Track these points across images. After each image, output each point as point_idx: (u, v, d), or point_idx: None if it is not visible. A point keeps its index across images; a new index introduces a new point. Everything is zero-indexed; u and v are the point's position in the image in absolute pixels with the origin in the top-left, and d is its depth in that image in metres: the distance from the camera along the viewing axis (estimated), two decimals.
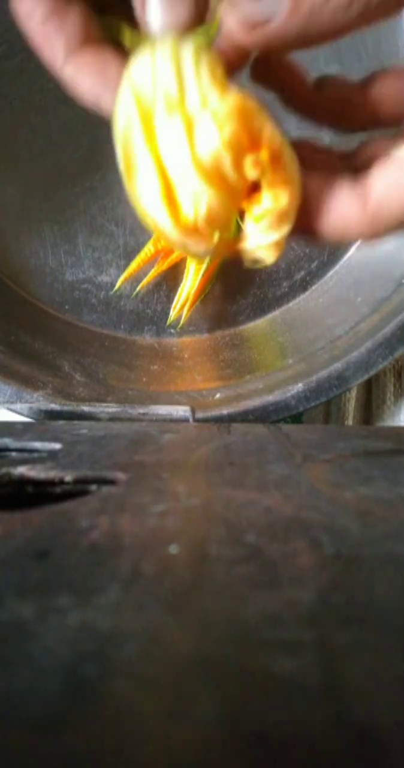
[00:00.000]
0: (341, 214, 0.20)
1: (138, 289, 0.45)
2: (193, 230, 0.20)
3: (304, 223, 0.20)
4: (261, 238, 0.20)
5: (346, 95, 0.22)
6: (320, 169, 0.21)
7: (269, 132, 0.19)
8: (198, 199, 0.19)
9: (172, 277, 0.45)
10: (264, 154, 0.19)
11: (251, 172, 0.19)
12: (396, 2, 0.18)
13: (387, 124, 0.23)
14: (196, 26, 0.19)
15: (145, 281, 0.45)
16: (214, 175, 0.19)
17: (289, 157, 0.19)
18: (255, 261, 0.21)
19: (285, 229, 0.20)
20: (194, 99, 0.19)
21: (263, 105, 0.19)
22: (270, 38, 0.17)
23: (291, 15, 0.17)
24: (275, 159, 0.19)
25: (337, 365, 0.41)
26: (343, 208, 0.20)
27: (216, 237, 0.20)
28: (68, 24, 0.20)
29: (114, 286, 0.45)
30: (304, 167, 0.20)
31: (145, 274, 0.45)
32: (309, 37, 0.18)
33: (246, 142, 0.19)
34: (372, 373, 0.40)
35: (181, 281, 0.45)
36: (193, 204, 0.19)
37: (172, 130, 0.19)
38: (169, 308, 0.46)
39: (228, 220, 0.20)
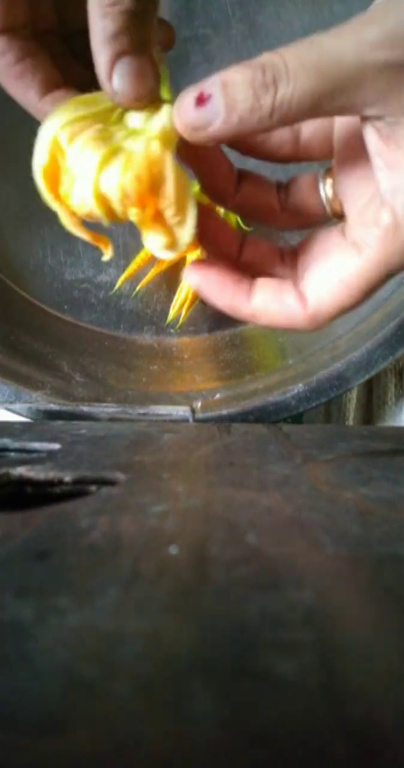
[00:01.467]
0: (289, 320, 0.24)
1: (137, 289, 0.45)
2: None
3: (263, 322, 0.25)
4: (158, 253, 0.24)
5: (261, 198, 0.26)
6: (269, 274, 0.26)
7: (170, 190, 0.22)
8: (90, 213, 0.23)
9: (172, 277, 0.45)
10: (160, 204, 0.23)
11: (132, 216, 0.23)
12: (309, 111, 0.21)
13: (305, 227, 0.27)
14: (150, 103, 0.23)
15: (144, 281, 0.45)
16: (104, 204, 0.23)
17: (187, 214, 0.23)
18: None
19: (174, 254, 0.24)
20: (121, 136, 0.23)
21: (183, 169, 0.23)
22: (209, 137, 0.22)
23: (225, 122, 0.21)
24: (171, 208, 0.23)
25: (338, 365, 0.41)
26: (292, 316, 0.24)
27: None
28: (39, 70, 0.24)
29: (113, 285, 0.45)
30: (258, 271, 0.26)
31: (145, 274, 0.45)
32: (241, 135, 0.22)
33: (142, 191, 0.22)
34: (372, 373, 0.40)
35: (180, 281, 0.45)
36: (84, 213, 0.23)
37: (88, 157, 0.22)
38: (168, 308, 0.46)
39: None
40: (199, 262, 0.26)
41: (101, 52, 0.22)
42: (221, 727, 0.08)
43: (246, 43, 0.42)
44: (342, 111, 0.21)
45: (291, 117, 0.21)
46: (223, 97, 0.21)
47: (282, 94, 0.21)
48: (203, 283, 0.25)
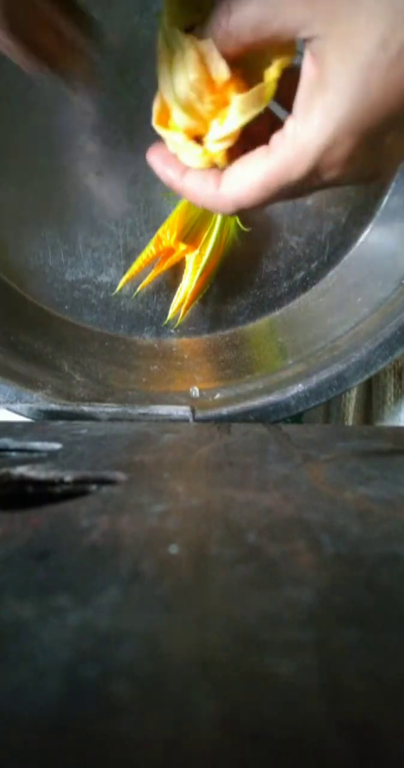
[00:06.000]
0: (204, 194, 0.29)
1: (138, 289, 0.45)
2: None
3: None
4: (215, 147, 0.29)
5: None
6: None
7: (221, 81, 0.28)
8: (188, 126, 0.30)
9: (172, 277, 0.45)
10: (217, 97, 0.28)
11: (208, 107, 0.28)
12: (253, 33, 0.26)
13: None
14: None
15: (145, 282, 0.45)
16: (191, 111, 0.29)
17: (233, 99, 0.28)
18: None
19: (227, 143, 0.29)
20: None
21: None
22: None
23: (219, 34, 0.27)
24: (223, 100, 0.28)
25: (337, 365, 0.41)
26: (206, 191, 0.29)
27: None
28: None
29: (114, 286, 0.45)
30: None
31: (145, 275, 0.45)
32: (233, 50, 0.27)
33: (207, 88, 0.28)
34: (372, 373, 0.40)
35: (180, 281, 0.45)
36: (186, 128, 0.30)
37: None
38: (168, 309, 0.46)
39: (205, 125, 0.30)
40: (159, 145, 0.31)
41: None
42: (221, 727, 0.08)
43: None
44: (281, 33, 0.25)
45: (246, 37, 0.26)
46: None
47: (234, 17, 0.25)
48: (155, 158, 0.31)
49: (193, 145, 0.30)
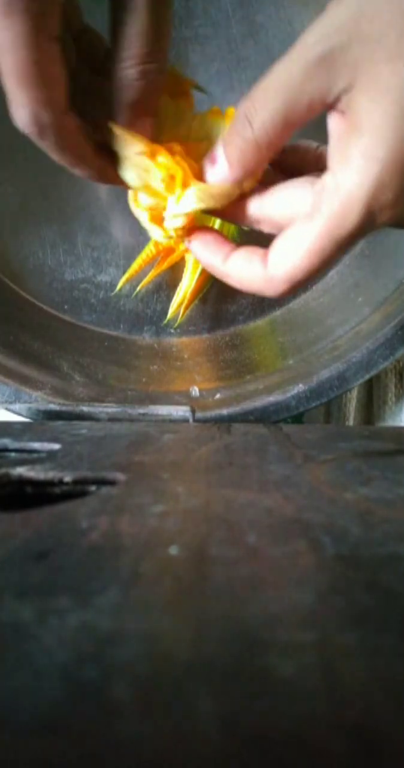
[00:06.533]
0: (250, 278, 0.28)
1: (138, 289, 0.45)
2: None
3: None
4: (170, 223, 0.30)
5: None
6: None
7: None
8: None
9: (172, 277, 0.45)
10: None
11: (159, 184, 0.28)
12: (285, 125, 0.25)
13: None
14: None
15: (144, 281, 0.45)
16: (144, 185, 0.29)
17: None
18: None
19: (182, 221, 0.29)
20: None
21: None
22: (232, 186, 0.27)
23: (232, 173, 0.27)
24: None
25: (338, 365, 0.41)
26: (254, 278, 0.27)
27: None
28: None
29: (113, 285, 0.45)
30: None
31: (145, 274, 0.45)
32: (255, 171, 0.27)
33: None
34: (373, 373, 0.40)
35: (179, 281, 0.45)
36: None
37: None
38: (168, 308, 0.46)
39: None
40: (197, 228, 0.30)
41: None
42: (221, 727, 0.08)
43: (246, 43, 0.42)
44: (311, 111, 0.24)
45: (276, 136, 0.25)
46: (225, 155, 0.26)
47: (257, 124, 0.24)
48: (194, 242, 0.30)
49: (156, 226, 0.30)
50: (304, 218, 0.25)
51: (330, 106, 0.24)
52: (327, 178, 0.24)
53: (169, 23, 0.25)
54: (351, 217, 0.24)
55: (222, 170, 0.27)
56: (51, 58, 0.23)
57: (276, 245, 0.26)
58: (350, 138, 0.23)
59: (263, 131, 0.24)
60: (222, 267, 0.29)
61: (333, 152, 0.24)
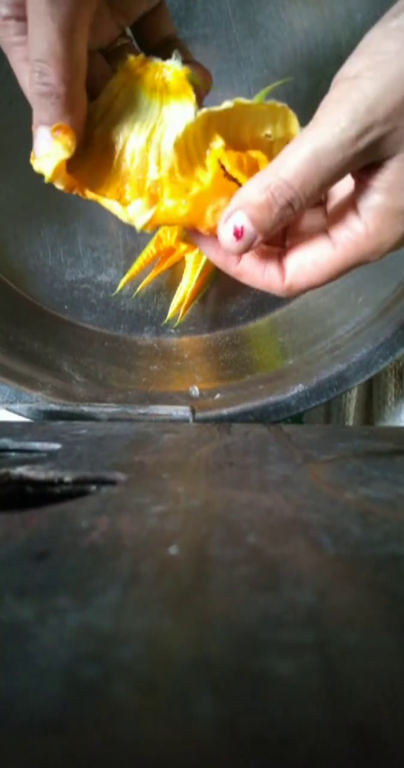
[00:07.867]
0: (265, 282, 0.29)
1: (138, 289, 0.45)
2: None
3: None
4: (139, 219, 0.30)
5: None
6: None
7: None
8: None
9: (172, 277, 0.45)
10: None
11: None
12: (317, 198, 0.26)
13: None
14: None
15: (145, 282, 0.45)
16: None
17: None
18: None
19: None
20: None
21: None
22: (254, 248, 0.28)
23: (262, 239, 0.27)
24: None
25: (338, 365, 0.41)
26: (271, 283, 0.29)
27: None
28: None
29: (113, 286, 0.45)
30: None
31: (145, 275, 0.45)
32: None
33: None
34: (373, 373, 0.40)
35: (179, 281, 0.45)
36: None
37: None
38: (168, 308, 0.46)
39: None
40: (206, 227, 0.30)
41: None
42: (221, 727, 0.08)
43: (246, 43, 0.42)
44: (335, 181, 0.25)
45: (316, 192, 0.25)
46: (254, 226, 0.26)
47: (298, 206, 0.25)
48: (203, 241, 0.30)
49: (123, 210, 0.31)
50: (326, 245, 0.27)
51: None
52: (356, 223, 0.26)
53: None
54: (373, 258, 0.27)
55: (250, 237, 0.27)
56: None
57: (296, 259, 0.28)
58: (381, 194, 0.25)
59: (302, 209, 0.26)
60: (235, 267, 0.30)
61: (363, 201, 0.26)
